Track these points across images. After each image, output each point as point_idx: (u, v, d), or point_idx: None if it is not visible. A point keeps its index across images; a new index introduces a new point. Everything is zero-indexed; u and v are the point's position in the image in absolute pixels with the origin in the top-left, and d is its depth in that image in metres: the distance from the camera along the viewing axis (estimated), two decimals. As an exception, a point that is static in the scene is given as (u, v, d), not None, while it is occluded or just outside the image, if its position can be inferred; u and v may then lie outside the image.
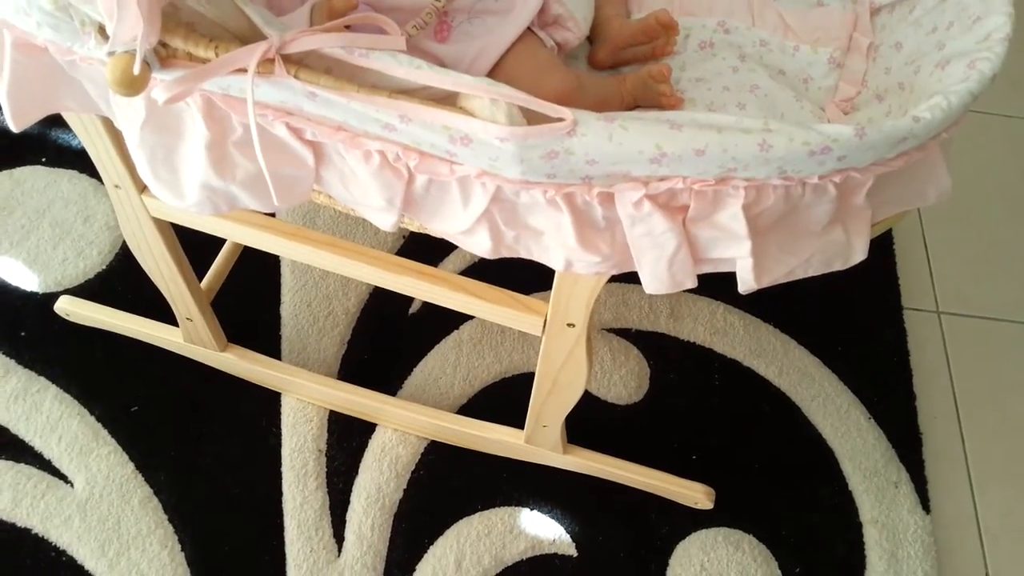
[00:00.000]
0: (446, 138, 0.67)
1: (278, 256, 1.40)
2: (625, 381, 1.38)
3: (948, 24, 0.83)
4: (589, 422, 1.29)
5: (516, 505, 1.26)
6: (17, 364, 1.31)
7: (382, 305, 1.40)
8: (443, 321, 1.38)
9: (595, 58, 0.98)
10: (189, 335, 1.27)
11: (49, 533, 1.19)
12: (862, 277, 1.28)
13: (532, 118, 0.66)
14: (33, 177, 1.49)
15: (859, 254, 0.77)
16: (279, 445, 1.28)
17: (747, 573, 1.23)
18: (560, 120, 0.64)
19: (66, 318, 1.35)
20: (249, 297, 1.39)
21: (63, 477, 1.23)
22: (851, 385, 1.40)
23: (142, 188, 0.99)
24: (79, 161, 1.49)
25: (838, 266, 0.78)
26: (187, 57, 0.66)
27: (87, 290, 1.37)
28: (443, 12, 0.88)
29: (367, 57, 0.65)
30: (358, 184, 0.75)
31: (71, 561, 1.17)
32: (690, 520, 1.27)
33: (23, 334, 1.34)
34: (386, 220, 0.77)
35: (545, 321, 0.95)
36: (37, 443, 1.25)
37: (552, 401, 1.10)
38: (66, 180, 1.48)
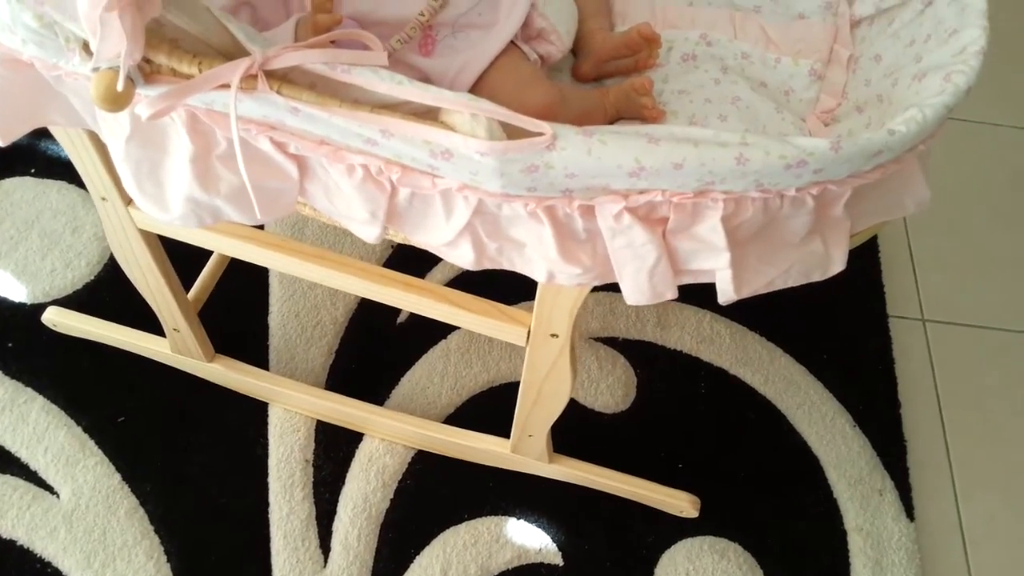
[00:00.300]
0: (427, 152, 0.68)
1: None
2: (612, 390, 1.38)
3: (926, 37, 0.84)
4: (577, 431, 1.30)
5: (503, 514, 1.26)
6: (4, 375, 1.30)
7: (370, 315, 1.41)
8: (431, 331, 1.38)
9: (579, 71, 0.99)
10: (176, 346, 1.27)
11: (34, 545, 1.19)
12: (847, 285, 1.30)
13: (513, 132, 0.66)
14: (22, 188, 1.49)
15: (838, 265, 0.78)
16: (266, 455, 1.28)
17: (733, 581, 1.24)
18: (540, 134, 0.65)
19: (53, 329, 1.35)
20: (237, 307, 1.40)
21: (49, 488, 1.23)
22: (836, 393, 1.41)
23: (128, 200, 0.99)
24: (68, 172, 1.49)
25: (817, 277, 0.79)
26: (171, 73, 0.67)
27: (75, 301, 1.37)
28: (427, 26, 0.89)
29: (349, 73, 0.66)
30: (342, 197, 0.76)
31: (56, 573, 1.17)
32: (676, 529, 1.27)
33: (10, 345, 1.34)
34: (370, 233, 0.77)
35: (529, 332, 0.96)
36: (23, 454, 1.25)
37: (537, 411, 1.11)
38: (55, 191, 1.49)
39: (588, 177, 0.67)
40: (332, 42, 0.71)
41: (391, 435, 1.30)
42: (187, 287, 1.23)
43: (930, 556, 1.30)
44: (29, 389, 1.30)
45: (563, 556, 1.24)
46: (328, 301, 1.42)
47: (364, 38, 0.71)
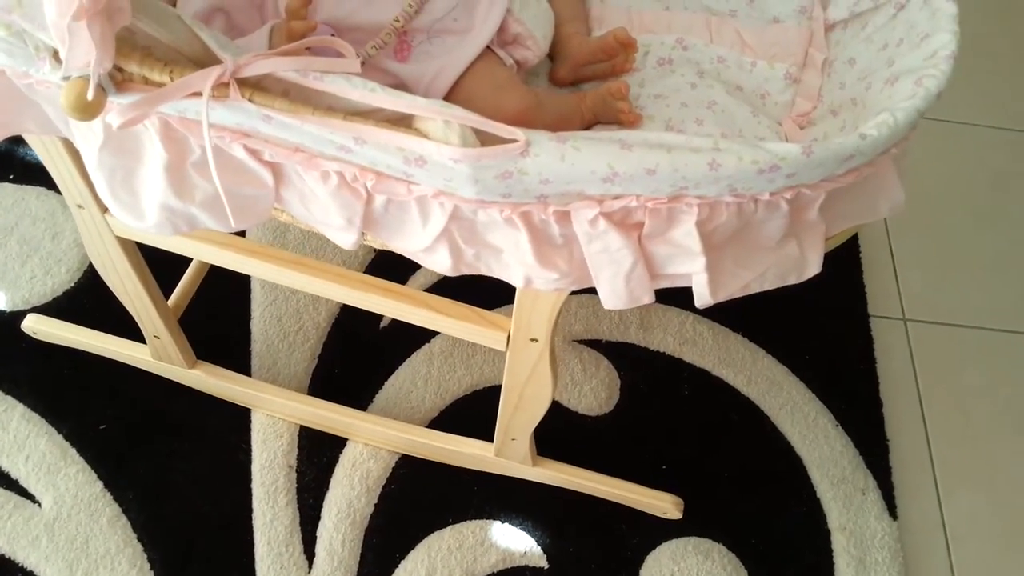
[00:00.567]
0: (401, 159, 0.68)
1: (248, 272, 1.40)
2: (596, 392, 1.39)
3: (898, 41, 0.85)
4: (560, 433, 1.30)
5: (487, 518, 1.26)
6: (-16, 383, 1.30)
7: (353, 320, 1.40)
8: (414, 335, 1.38)
9: (556, 75, 0.99)
10: (157, 352, 1.27)
11: (16, 554, 1.18)
12: (829, 286, 1.30)
13: (487, 139, 0.67)
14: (0, 194, 1.48)
15: (813, 268, 0.79)
16: (249, 461, 1.27)
17: (716, 582, 1.24)
18: (513, 141, 0.65)
19: (33, 336, 1.34)
20: (219, 313, 1.39)
21: (30, 497, 1.22)
22: (819, 393, 1.42)
23: (105, 208, 0.99)
24: (47, 178, 1.44)
25: (793, 280, 0.79)
26: (143, 81, 0.67)
27: (55, 308, 1.37)
28: (403, 32, 0.89)
29: (321, 80, 0.66)
30: (318, 204, 0.76)
31: (39, 582, 1.17)
32: (660, 530, 1.28)
33: (-10, 353, 1.33)
34: (347, 239, 0.77)
35: (508, 337, 0.96)
36: (4, 462, 1.24)
37: (519, 415, 1.11)
38: (34, 197, 1.48)
39: (562, 183, 0.67)
40: (307, 49, 0.71)
41: (375, 440, 1.30)
42: (167, 293, 1.23)
43: (913, 554, 1.31)
44: (9, 397, 1.29)
45: (548, 559, 1.24)
46: (310, 306, 1.42)
47: (338, 45, 0.71)
